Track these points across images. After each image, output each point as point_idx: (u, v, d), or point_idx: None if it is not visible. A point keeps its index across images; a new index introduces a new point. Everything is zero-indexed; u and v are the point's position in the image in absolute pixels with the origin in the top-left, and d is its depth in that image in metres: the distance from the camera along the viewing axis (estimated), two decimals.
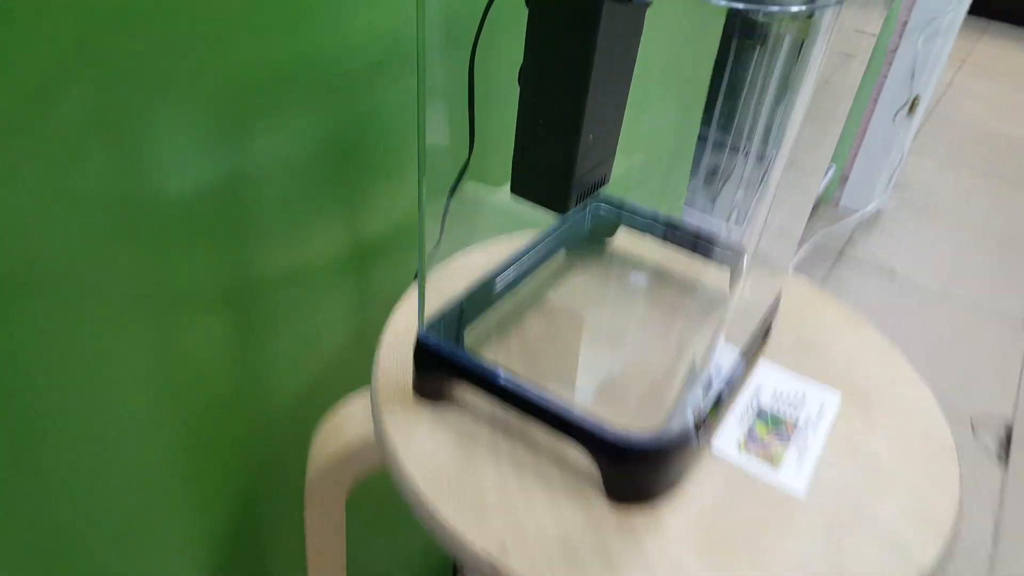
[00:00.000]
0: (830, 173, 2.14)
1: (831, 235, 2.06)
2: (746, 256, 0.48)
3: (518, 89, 0.49)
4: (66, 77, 0.41)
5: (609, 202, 0.73)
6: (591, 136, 0.52)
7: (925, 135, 2.73)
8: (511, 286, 0.64)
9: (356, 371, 0.74)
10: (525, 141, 0.52)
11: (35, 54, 0.39)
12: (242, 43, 0.50)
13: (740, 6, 0.37)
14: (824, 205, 2.20)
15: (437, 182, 0.56)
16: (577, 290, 0.68)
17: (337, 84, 0.58)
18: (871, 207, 2.14)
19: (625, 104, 0.55)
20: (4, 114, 0.38)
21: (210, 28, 0.47)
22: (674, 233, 0.69)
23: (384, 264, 0.72)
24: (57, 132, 0.41)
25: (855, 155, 2.11)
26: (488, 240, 0.71)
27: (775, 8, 0.39)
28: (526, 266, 0.66)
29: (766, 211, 0.46)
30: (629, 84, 0.54)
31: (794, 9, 0.38)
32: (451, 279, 0.64)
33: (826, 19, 0.39)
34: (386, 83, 0.62)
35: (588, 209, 0.75)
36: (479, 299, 0.62)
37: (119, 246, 0.48)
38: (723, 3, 0.36)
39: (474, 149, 0.58)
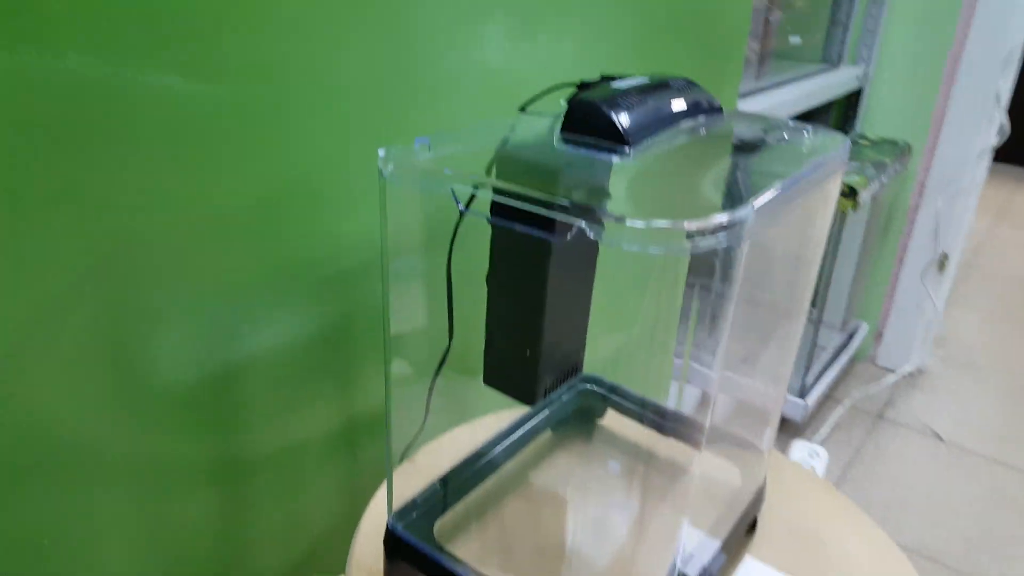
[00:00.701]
0: (862, 331, 2.11)
1: (869, 395, 2.00)
2: (704, 428, 0.47)
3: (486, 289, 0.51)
4: (78, 294, 0.44)
5: (599, 382, 0.73)
6: (554, 335, 0.53)
7: (964, 288, 2.70)
8: (492, 467, 0.64)
9: (343, 553, 0.72)
10: (493, 337, 0.53)
11: (50, 273, 0.43)
12: (240, 249, 0.53)
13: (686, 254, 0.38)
14: (860, 363, 2.16)
15: (424, 365, 0.58)
16: (560, 473, 0.67)
17: (329, 282, 0.61)
18: (909, 365, 2.09)
19: (589, 305, 0.56)
20: (26, 320, 0.42)
21: (212, 238, 0.51)
22: (656, 417, 0.68)
23: (372, 445, 0.72)
24: (70, 332, 0.44)
25: (887, 313, 2.09)
26: (477, 418, 0.71)
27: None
28: (509, 447, 0.66)
29: (720, 366, 0.46)
30: (591, 289, 0.56)
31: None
32: (436, 458, 0.63)
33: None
34: (374, 279, 0.65)
35: (575, 390, 0.75)
36: (458, 482, 0.61)
37: (118, 427, 0.50)
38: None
39: (454, 336, 0.59)
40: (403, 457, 0.69)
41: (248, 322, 0.56)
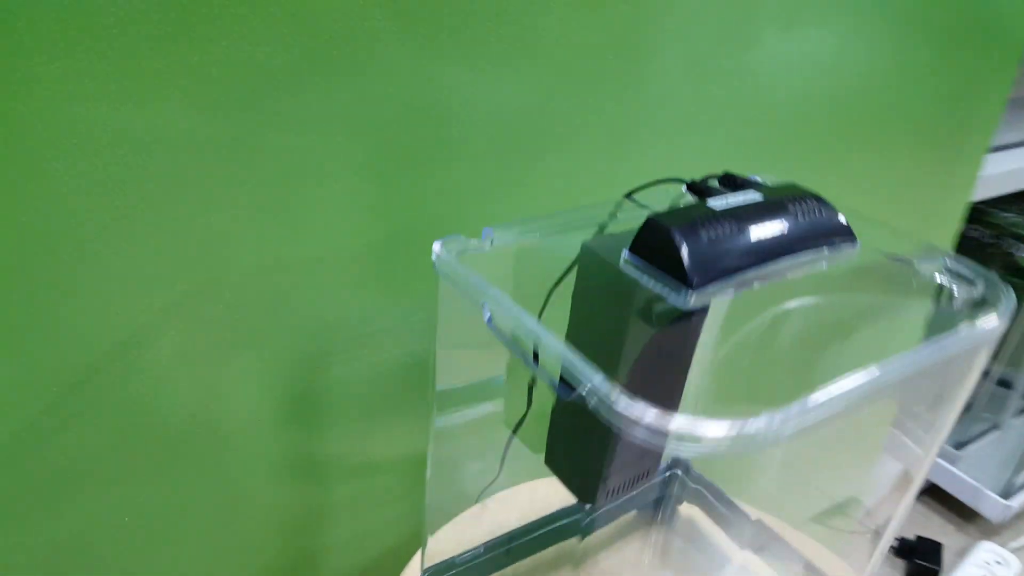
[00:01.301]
0: None
1: None
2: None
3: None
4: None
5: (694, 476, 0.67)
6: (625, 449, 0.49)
7: None
8: (540, 544, 0.62)
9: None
10: (559, 425, 0.51)
11: None
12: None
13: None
14: None
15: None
16: (626, 559, 0.63)
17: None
18: None
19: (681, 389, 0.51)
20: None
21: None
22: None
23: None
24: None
25: None
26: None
27: None
28: (570, 523, 0.63)
29: None
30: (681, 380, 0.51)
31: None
32: (509, 509, 0.62)
33: None
34: None
35: (671, 475, 0.70)
36: (499, 552, 0.59)
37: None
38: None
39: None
40: (479, 498, 0.68)
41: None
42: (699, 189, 0.48)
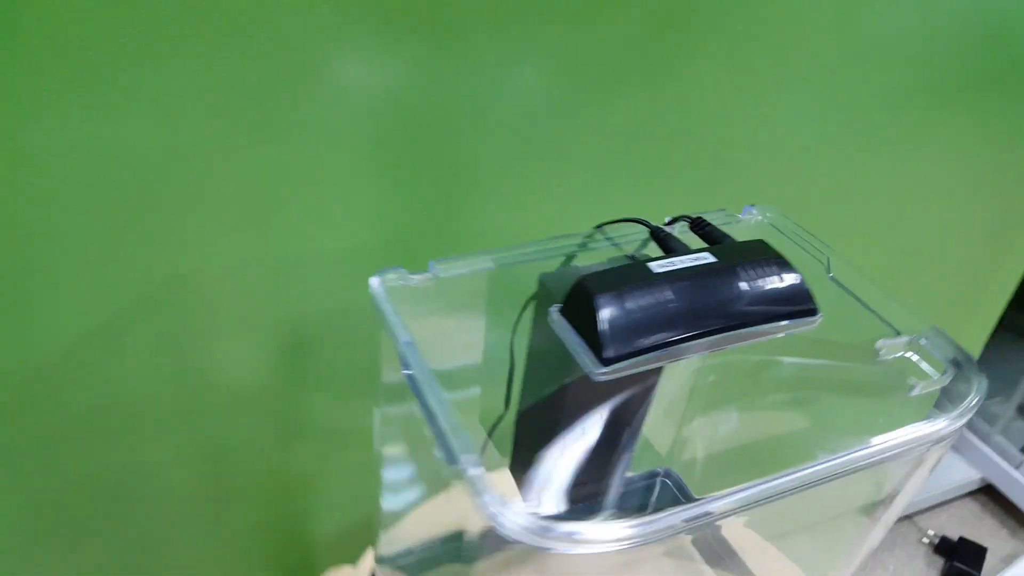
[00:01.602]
0: None
1: None
2: None
3: None
4: None
5: (673, 480, 0.67)
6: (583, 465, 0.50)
7: None
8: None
9: None
10: (521, 432, 0.51)
11: None
12: None
13: None
14: None
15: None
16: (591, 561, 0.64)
17: None
18: None
19: (627, 443, 0.51)
20: None
21: None
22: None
23: None
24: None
25: None
26: None
27: None
28: None
29: None
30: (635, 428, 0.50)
31: None
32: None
33: None
34: None
35: (657, 480, 0.70)
36: (455, 546, 0.61)
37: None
38: None
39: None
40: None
41: None
42: (660, 237, 0.46)
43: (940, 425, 0.39)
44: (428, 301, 0.44)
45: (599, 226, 0.49)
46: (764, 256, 0.42)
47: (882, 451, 0.38)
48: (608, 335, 0.37)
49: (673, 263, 0.40)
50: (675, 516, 0.33)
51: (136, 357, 0.54)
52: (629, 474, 0.67)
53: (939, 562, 1.33)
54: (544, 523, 0.31)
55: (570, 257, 0.48)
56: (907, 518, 1.41)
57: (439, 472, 0.35)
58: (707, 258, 0.41)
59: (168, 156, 0.47)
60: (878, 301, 0.48)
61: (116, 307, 0.51)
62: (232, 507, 0.66)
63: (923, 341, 0.44)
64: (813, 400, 0.54)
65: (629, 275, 0.40)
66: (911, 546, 1.36)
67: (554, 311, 0.40)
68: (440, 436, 0.35)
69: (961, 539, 1.33)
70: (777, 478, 0.35)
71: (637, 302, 0.38)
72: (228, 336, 0.57)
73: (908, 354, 0.45)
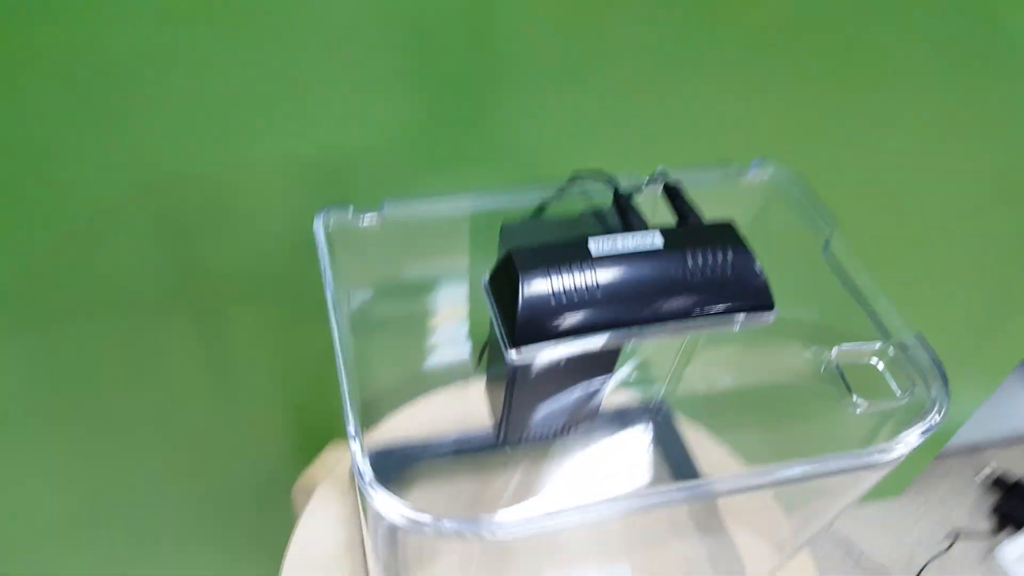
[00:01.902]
0: None
1: None
2: None
3: None
4: None
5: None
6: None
7: None
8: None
9: None
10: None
11: None
12: None
13: None
14: None
15: None
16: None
17: None
18: None
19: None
20: None
21: None
22: None
23: None
24: None
25: None
26: None
27: None
28: None
29: None
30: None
31: None
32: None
33: None
34: None
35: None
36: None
37: None
38: None
39: None
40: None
41: None
42: (621, 206, 0.43)
43: (885, 452, 0.37)
44: (375, 245, 0.44)
45: (573, 177, 0.46)
46: (721, 245, 0.39)
47: (794, 477, 0.37)
48: (524, 318, 0.37)
49: (616, 243, 0.39)
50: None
51: (139, 245, 0.57)
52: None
53: (990, 499, 1.29)
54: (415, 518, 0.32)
55: (540, 208, 0.47)
56: (972, 450, 1.35)
57: None
58: (655, 242, 0.39)
59: (171, 53, 0.47)
60: (871, 294, 0.44)
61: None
62: (238, 380, 0.71)
63: (891, 351, 0.41)
64: (763, 396, 0.52)
65: (562, 254, 0.38)
66: (966, 478, 1.32)
67: (484, 280, 0.40)
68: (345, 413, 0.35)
69: (1017, 483, 1.27)
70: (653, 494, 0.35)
71: (562, 286, 0.37)
72: (242, 229, 0.59)
73: (875, 361, 0.42)
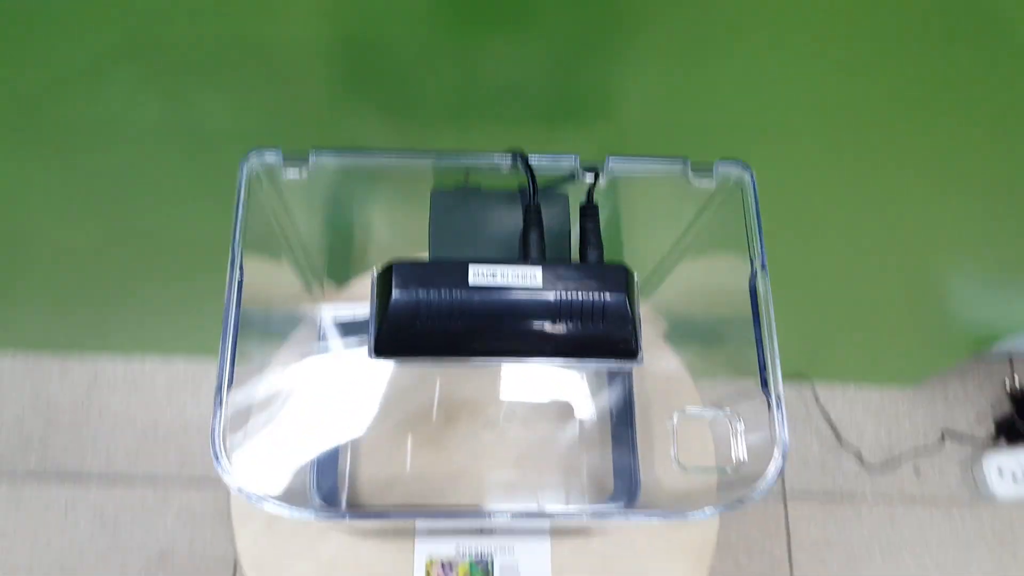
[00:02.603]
0: None
1: None
2: None
3: None
4: None
5: None
6: None
7: None
8: None
9: None
10: None
11: None
12: None
13: None
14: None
15: None
16: None
17: None
18: None
19: None
20: None
21: None
22: None
23: None
24: None
25: None
26: None
27: None
28: None
29: None
30: None
31: None
32: None
33: None
34: None
35: None
36: None
37: None
38: None
39: None
40: None
41: None
42: (527, 221, 0.44)
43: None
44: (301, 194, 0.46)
45: (515, 154, 0.46)
46: (601, 290, 0.40)
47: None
48: (386, 333, 0.40)
49: (495, 276, 0.40)
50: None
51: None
52: None
53: (1001, 410, 1.28)
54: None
55: (467, 174, 0.47)
56: (1012, 359, 1.31)
57: None
58: (534, 280, 0.40)
59: None
60: (767, 340, 0.44)
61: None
62: None
63: (732, 423, 0.43)
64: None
65: (442, 277, 0.40)
66: (994, 382, 1.29)
67: (373, 273, 0.42)
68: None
69: None
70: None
71: (429, 311, 0.40)
72: None
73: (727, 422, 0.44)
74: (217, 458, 0.38)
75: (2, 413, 1.15)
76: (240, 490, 0.39)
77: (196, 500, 1.12)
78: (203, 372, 1.17)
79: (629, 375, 0.58)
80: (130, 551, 1.10)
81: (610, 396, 0.59)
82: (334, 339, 0.56)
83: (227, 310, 0.41)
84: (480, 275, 0.40)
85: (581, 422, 0.58)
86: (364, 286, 0.56)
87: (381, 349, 0.41)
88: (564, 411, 0.59)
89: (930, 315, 0.99)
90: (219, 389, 0.39)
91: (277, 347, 0.58)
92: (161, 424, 1.14)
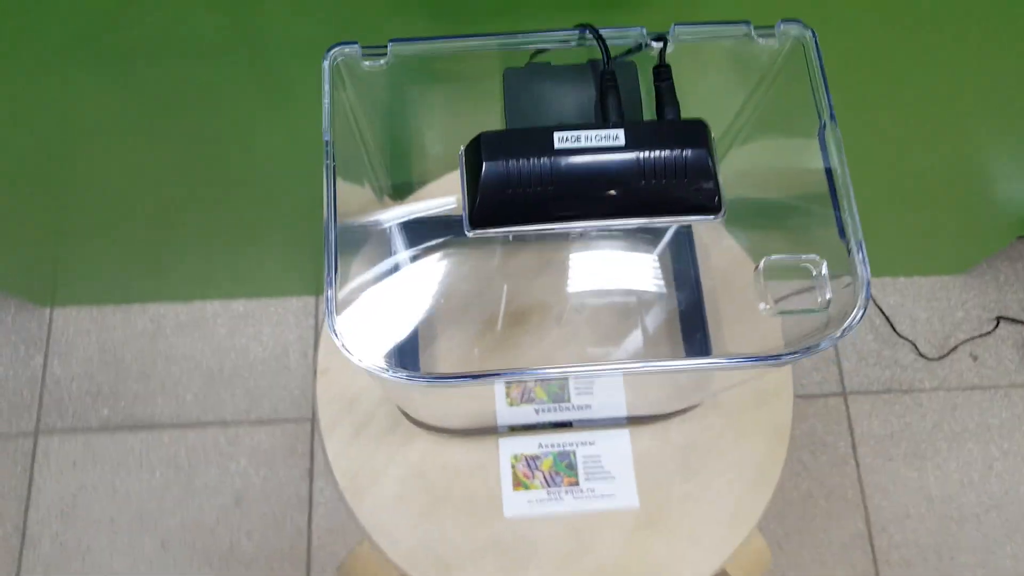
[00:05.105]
0: None
1: None
2: None
3: None
4: None
5: None
6: None
7: None
8: None
9: None
10: None
11: None
12: None
13: None
14: None
15: None
16: None
17: None
18: None
19: None
20: None
21: None
22: None
23: None
24: None
25: None
26: None
27: None
28: None
29: None
30: None
31: None
32: None
33: None
34: None
35: None
36: None
37: None
38: None
39: None
40: None
41: None
42: (603, 90, 0.45)
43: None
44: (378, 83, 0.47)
45: (585, 26, 0.46)
46: (681, 146, 0.41)
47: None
48: (481, 203, 0.42)
49: (579, 139, 0.41)
50: None
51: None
52: None
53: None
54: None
55: (538, 52, 0.48)
56: None
57: None
58: (617, 140, 0.41)
59: None
60: (843, 192, 0.45)
61: None
62: None
63: (815, 271, 0.44)
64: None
65: (528, 144, 0.41)
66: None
67: (460, 151, 0.44)
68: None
69: None
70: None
71: (521, 176, 0.41)
72: None
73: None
74: (335, 332, 0.40)
75: (71, 367, 1.18)
76: (359, 360, 0.41)
77: (266, 440, 1.16)
78: (263, 312, 1.20)
79: (694, 255, 0.59)
80: (206, 494, 1.14)
81: (675, 276, 0.60)
82: (411, 240, 0.58)
83: (327, 195, 0.43)
84: (565, 140, 0.41)
85: (649, 302, 0.60)
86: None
87: (476, 220, 0.42)
88: (631, 295, 0.61)
89: (977, 197, 0.99)
90: (328, 268, 0.41)
91: (353, 255, 0.60)
92: (226, 367, 1.18)
